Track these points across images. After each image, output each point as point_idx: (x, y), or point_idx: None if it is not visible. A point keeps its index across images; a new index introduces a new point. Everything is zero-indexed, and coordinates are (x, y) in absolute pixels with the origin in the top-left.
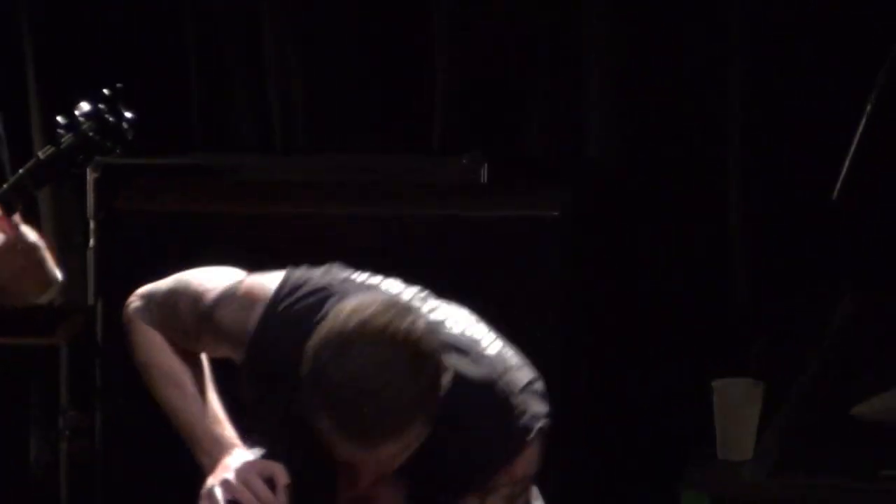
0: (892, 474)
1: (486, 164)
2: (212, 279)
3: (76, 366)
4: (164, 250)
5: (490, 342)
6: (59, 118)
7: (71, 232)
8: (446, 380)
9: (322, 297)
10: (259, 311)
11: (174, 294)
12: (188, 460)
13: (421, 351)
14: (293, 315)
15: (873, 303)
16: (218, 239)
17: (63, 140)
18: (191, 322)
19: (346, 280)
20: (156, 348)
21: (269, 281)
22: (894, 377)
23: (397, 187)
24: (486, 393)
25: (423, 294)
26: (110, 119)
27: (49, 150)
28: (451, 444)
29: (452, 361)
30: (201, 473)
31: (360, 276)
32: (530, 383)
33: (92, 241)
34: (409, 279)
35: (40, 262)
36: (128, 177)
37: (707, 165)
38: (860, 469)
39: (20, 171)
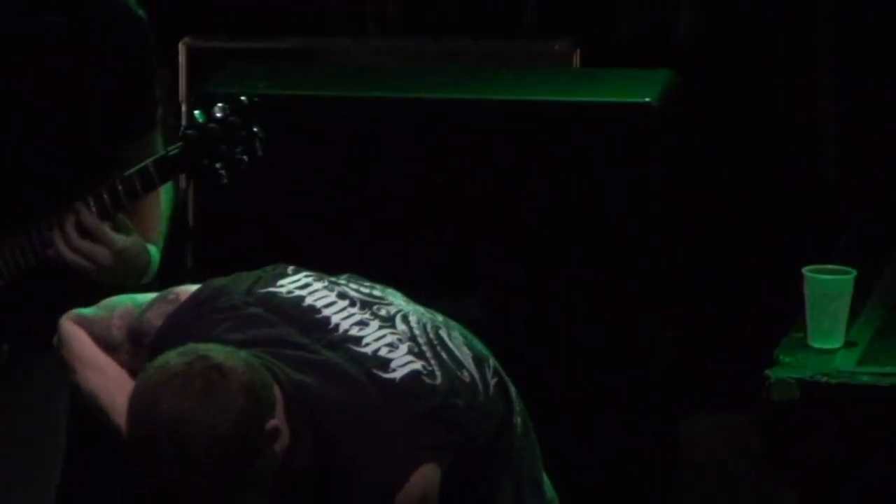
0: None
1: (578, 50)
2: (148, 296)
3: None
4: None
5: (404, 362)
6: (195, 113)
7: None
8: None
9: (216, 319)
10: (170, 311)
11: (110, 305)
12: None
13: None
14: (188, 326)
15: None
16: (308, 123)
17: (190, 140)
18: (120, 328)
19: (263, 298)
20: (81, 342)
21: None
22: None
23: (490, 72)
24: (371, 419)
25: (359, 315)
26: (242, 132)
27: (175, 148)
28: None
29: (326, 389)
30: None
31: (295, 284)
32: (434, 410)
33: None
34: (499, 165)
35: (132, 259)
36: (220, 60)
37: (797, 50)
38: None
39: (143, 163)
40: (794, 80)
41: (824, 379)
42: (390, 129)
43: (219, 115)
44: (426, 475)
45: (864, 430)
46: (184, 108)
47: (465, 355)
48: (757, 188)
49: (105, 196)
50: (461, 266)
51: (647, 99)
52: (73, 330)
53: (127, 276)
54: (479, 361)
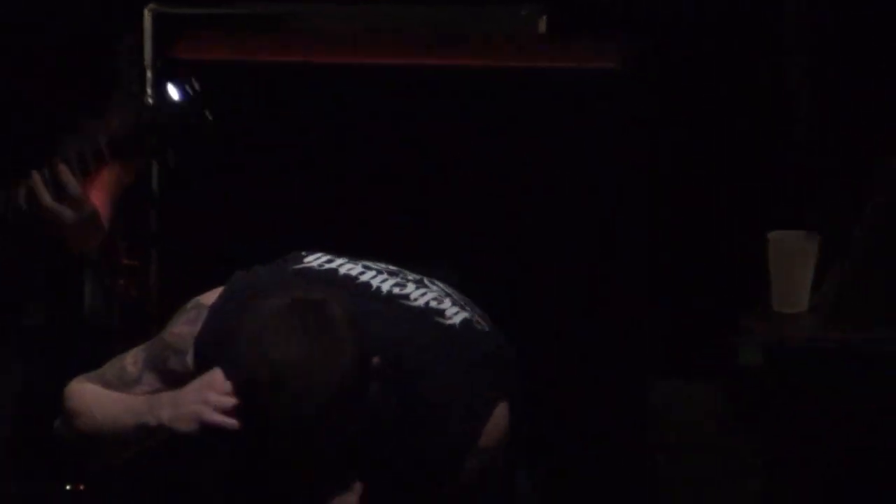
0: None
1: (545, 16)
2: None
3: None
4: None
5: (454, 312)
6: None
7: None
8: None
9: (263, 298)
10: (204, 314)
11: (116, 359)
12: None
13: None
14: (237, 313)
15: None
16: (273, 89)
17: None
18: (136, 363)
19: (300, 272)
20: (84, 388)
21: (217, 291)
22: None
23: (454, 38)
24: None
25: (392, 280)
26: (192, 119)
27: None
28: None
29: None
30: None
31: (319, 261)
32: (492, 353)
33: (149, 91)
34: (463, 132)
35: (100, 227)
36: (185, 26)
37: (765, 16)
38: None
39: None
40: (763, 44)
41: (789, 343)
42: (353, 97)
43: (175, 97)
44: (502, 414)
45: (828, 393)
46: (149, 75)
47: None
48: (725, 154)
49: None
50: (422, 236)
51: (611, 65)
52: (78, 383)
53: (86, 240)
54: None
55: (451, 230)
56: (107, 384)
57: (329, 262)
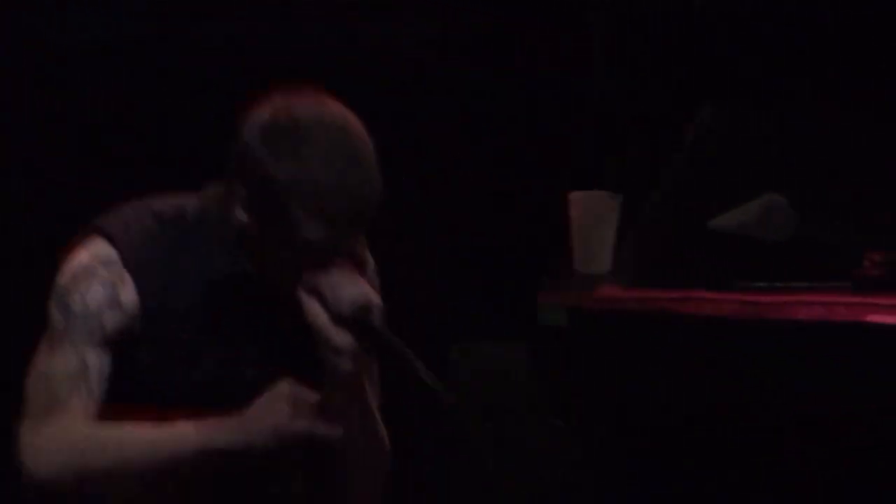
0: (751, 286)
1: None
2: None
3: None
4: None
5: None
6: None
7: None
8: None
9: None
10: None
11: (36, 379)
12: None
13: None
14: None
15: (730, 114)
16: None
17: None
18: (69, 359)
19: None
20: (84, 438)
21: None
22: (751, 189)
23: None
24: None
25: None
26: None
27: None
28: None
29: None
30: None
31: None
32: None
33: None
34: None
35: None
36: None
37: None
38: (717, 280)
39: None
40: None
41: (591, 304)
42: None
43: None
44: None
45: (630, 354)
46: None
47: None
48: (525, 115)
49: None
50: None
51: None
52: (44, 437)
53: None
54: None
55: None
56: (70, 407)
57: None
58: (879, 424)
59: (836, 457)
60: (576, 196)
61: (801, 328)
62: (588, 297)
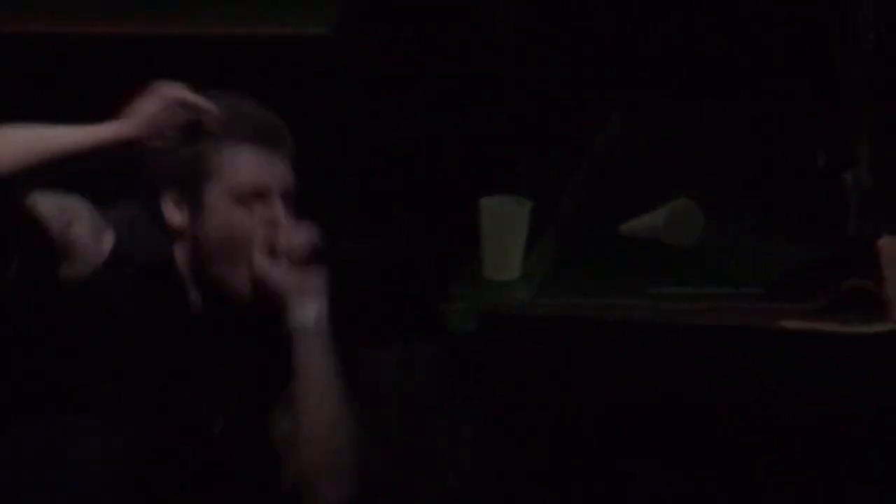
0: (661, 292)
1: None
2: None
3: None
4: None
5: None
6: None
7: None
8: None
9: None
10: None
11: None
12: None
13: None
14: None
15: (643, 116)
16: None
17: None
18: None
19: None
20: None
21: None
22: (662, 193)
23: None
24: None
25: None
26: None
27: None
28: None
29: None
30: None
31: None
32: None
33: None
34: None
35: None
36: None
37: None
38: (628, 287)
39: None
40: (473, 8)
41: (500, 310)
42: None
43: None
44: None
45: (540, 361)
46: None
47: None
48: (438, 118)
49: None
50: None
51: (321, 30)
52: None
53: None
54: None
55: None
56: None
57: None
58: (793, 432)
59: (737, 466)
60: (486, 202)
61: (708, 333)
62: (497, 303)
